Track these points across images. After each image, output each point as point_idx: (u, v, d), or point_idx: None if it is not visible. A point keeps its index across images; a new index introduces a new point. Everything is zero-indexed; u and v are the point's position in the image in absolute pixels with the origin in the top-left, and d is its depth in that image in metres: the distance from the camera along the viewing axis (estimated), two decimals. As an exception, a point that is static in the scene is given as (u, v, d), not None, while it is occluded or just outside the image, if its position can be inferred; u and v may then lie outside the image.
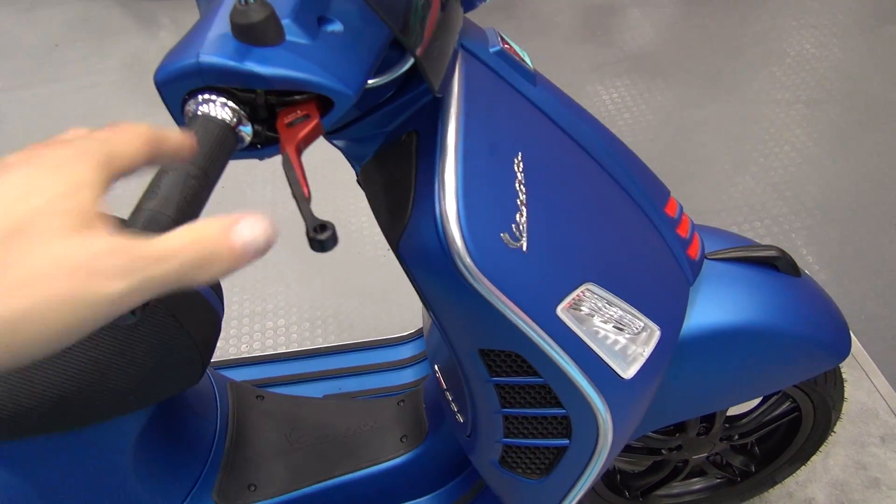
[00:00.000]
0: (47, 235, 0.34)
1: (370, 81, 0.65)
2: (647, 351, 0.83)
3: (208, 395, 1.19)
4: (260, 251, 0.41)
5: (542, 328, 0.72)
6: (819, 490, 1.47)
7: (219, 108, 0.53)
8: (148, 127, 0.43)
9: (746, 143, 2.24)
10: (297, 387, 1.34)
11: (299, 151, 0.53)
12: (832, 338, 1.02)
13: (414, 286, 0.75)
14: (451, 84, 0.70)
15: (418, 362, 1.35)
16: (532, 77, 0.79)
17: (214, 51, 0.53)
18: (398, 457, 1.15)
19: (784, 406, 1.22)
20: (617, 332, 0.80)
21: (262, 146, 0.58)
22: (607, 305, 0.79)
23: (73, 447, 0.92)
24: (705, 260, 0.99)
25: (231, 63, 0.52)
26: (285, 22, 0.54)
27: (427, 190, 0.68)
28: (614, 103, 2.43)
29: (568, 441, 0.86)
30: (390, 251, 0.77)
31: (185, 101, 0.55)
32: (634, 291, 0.82)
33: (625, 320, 0.80)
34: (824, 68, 2.49)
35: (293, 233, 2.13)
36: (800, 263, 1.86)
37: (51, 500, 0.94)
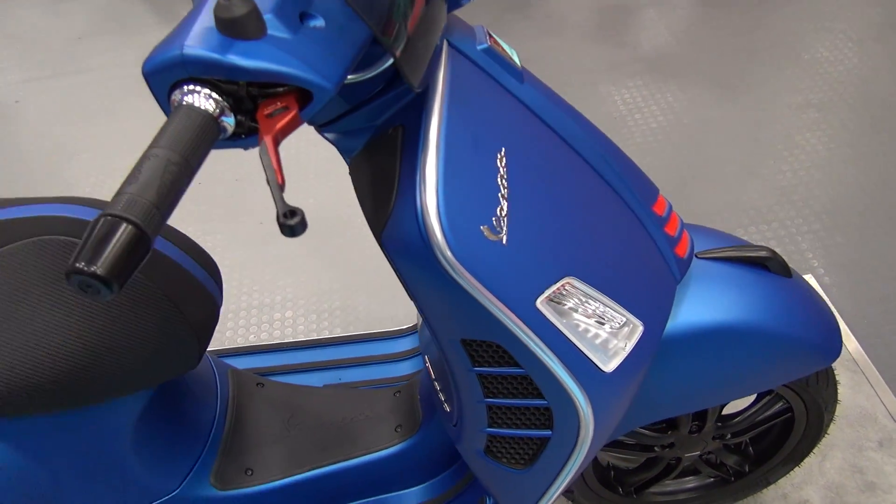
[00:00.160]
0: None
1: (351, 76, 0.68)
2: (629, 346, 0.85)
3: (209, 381, 1.21)
4: None
5: (521, 319, 0.74)
6: (814, 492, 1.48)
7: (202, 99, 0.56)
8: None
9: (756, 146, 2.24)
10: (297, 376, 1.37)
11: (276, 141, 0.55)
12: (822, 338, 1.02)
13: (398, 276, 0.77)
14: (436, 80, 0.72)
15: (416, 355, 1.37)
16: (519, 74, 0.81)
17: (198, 43, 0.55)
18: (392, 446, 1.17)
19: (776, 406, 1.23)
20: (598, 326, 0.82)
21: (246, 136, 0.60)
22: (588, 300, 0.80)
23: (75, 426, 0.95)
24: (695, 259, 1.00)
25: (213, 55, 0.55)
26: (267, 17, 0.57)
27: (409, 182, 0.70)
28: (626, 104, 2.44)
29: (550, 432, 0.87)
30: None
31: (171, 92, 0.57)
32: (617, 287, 0.84)
33: (606, 315, 0.82)
34: (838, 72, 2.48)
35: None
36: (805, 267, 1.87)
37: (53, 476, 0.97)
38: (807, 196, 2.07)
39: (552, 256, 0.77)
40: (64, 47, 3.14)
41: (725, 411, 1.26)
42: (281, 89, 0.58)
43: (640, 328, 0.86)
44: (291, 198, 2.27)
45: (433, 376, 1.00)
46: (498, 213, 0.72)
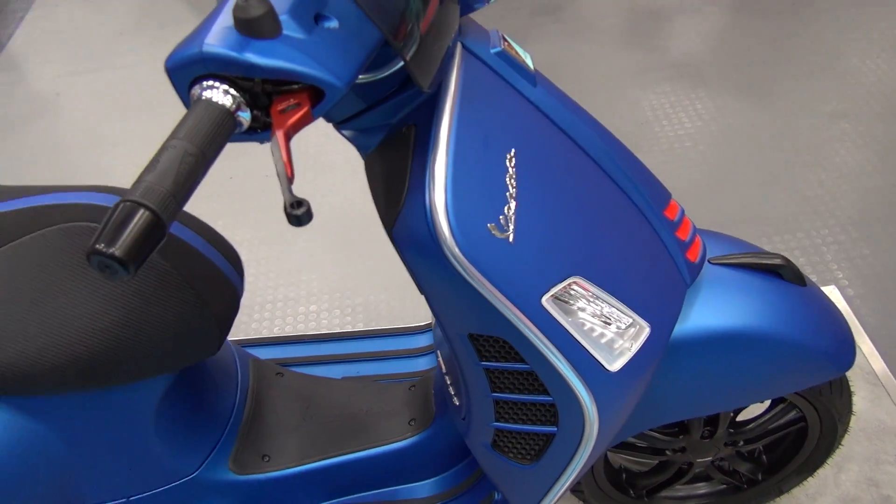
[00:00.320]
0: None
1: (363, 76, 0.70)
2: (635, 346, 0.86)
3: (230, 369, 1.25)
4: None
5: (526, 316, 0.76)
6: (829, 504, 1.47)
7: (220, 95, 0.59)
8: None
9: (783, 155, 2.23)
10: (316, 367, 1.40)
11: (288, 136, 0.58)
12: (835, 348, 1.03)
13: (408, 270, 0.79)
14: (449, 81, 0.74)
15: (431, 352, 1.39)
16: (532, 78, 0.83)
17: (217, 42, 0.58)
18: (405, 439, 1.20)
19: (789, 415, 1.23)
20: (604, 326, 0.83)
21: (261, 130, 0.63)
22: (595, 299, 0.82)
23: (100, 406, 0.99)
24: (708, 264, 1.01)
25: (231, 53, 0.58)
26: (283, 17, 0.60)
27: (419, 180, 0.72)
28: (653, 110, 2.44)
29: (556, 428, 0.89)
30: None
31: (191, 86, 0.60)
32: (625, 288, 0.85)
33: (612, 315, 0.84)
34: (869, 82, 2.45)
35: (331, 223, 2.21)
36: (828, 278, 1.86)
37: (78, 453, 1.01)
38: (833, 207, 2.05)
39: (559, 256, 0.79)
40: (104, 42, 3.23)
41: (739, 418, 1.27)
42: (295, 86, 0.61)
43: (647, 329, 0.87)
44: (318, 196, 2.31)
45: (444, 370, 1.03)
46: (505, 211, 0.74)
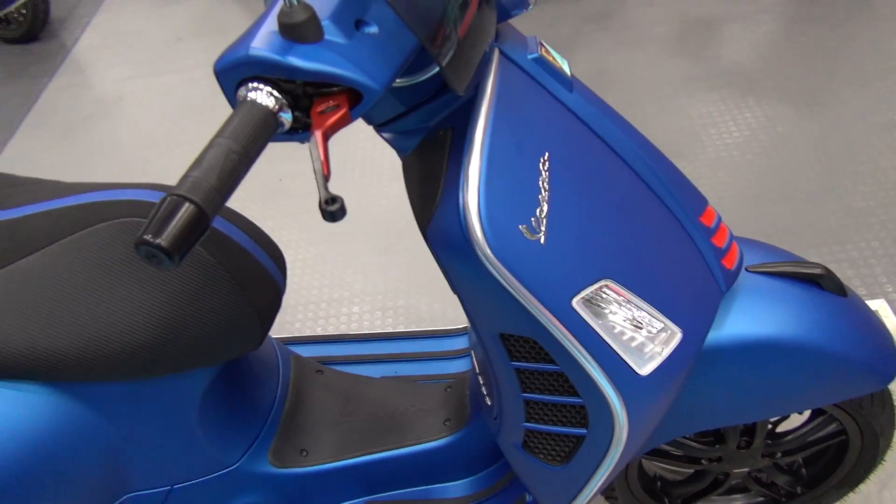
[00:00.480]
0: None
1: (401, 80, 0.73)
2: (666, 351, 0.86)
3: (272, 365, 1.29)
4: None
5: (555, 317, 0.78)
6: (872, 521, 1.44)
7: (264, 96, 0.62)
8: None
9: (834, 166, 2.18)
10: (356, 366, 1.43)
11: (326, 137, 0.61)
12: (876, 360, 1.01)
13: (441, 270, 0.82)
14: (485, 86, 0.77)
15: (467, 354, 1.41)
16: (569, 83, 0.84)
17: (262, 46, 0.61)
18: (440, 438, 1.22)
19: (829, 428, 1.21)
20: (635, 330, 0.84)
21: (302, 131, 0.66)
22: (626, 303, 0.83)
23: (148, 395, 1.04)
24: (745, 272, 1.01)
25: (275, 57, 0.61)
26: (325, 23, 0.63)
27: (454, 181, 0.75)
28: (701, 118, 2.41)
29: (585, 430, 0.90)
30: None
31: (237, 88, 0.64)
32: (657, 293, 0.86)
33: (643, 319, 0.84)
34: (929, 93, 2.39)
35: (376, 226, 2.24)
36: (877, 292, 1.82)
37: (126, 439, 1.06)
38: (884, 219, 2.01)
39: (590, 258, 0.80)
40: (165, 47, 3.34)
41: (778, 429, 1.25)
42: (335, 89, 0.64)
43: (679, 335, 0.87)
44: (364, 197, 2.35)
45: (478, 371, 1.04)
46: (537, 214, 0.75)
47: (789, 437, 1.24)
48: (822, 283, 1.01)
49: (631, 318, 0.84)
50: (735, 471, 1.28)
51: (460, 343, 1.44)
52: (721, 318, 0.95)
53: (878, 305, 1.80)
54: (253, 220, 2.35)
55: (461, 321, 1.93)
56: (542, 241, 0.76)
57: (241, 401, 1.21)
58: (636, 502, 1.35)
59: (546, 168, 0.77)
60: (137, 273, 0.95)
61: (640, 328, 0.84)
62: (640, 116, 2.48)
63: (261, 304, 1.04)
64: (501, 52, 0.80)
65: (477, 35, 0.71)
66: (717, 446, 1.22)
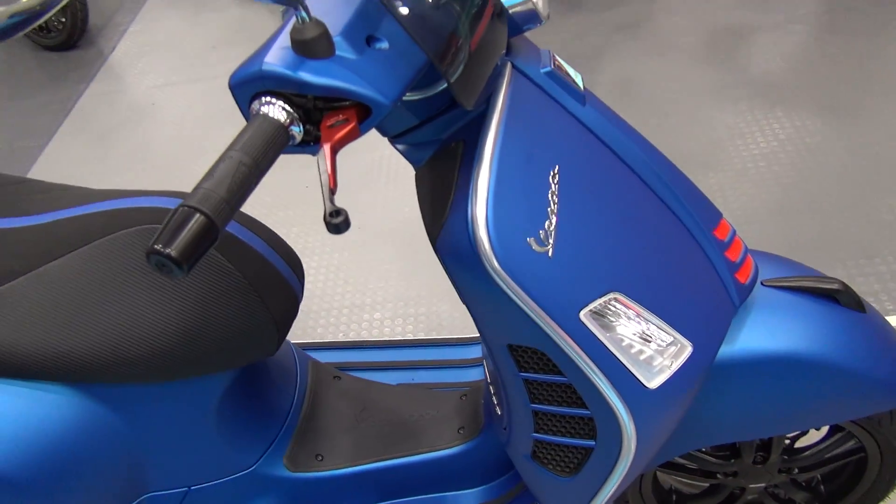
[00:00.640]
0: None
1: (411, 94, 0.74)
2: (676, 365, 0.86)
3: (290, 370, 1.31)
4: None
5: (563, 329, 0.78)
6: (894, 541, 1.41)
7: (276, 110, 0.64)
8: None
9: (862, 179, 2.15)
10: (373, 373, 1.45)
11: (334, 150, 0.63)
12: (894, 377, 1.00)
13: (451, 281, 0.83)
14: (497, 99, 0.78)
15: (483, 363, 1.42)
16: (581, 97, 0.85)
17: (275, 61, 0.63)
18: (453, 446, 1.22)
19: (848, 444, 1.19)
20: (643, 343, 0.84)
21: (313, 143, 0.68)
22: (635, 316, 0.83)
23: (167, 397, 1.06)
24: (760, 286, 1.00)
25: (286, 72, 0.63)
26: (336, 39, 0.64)
27: (463, 193, 0.76)
28: (728, 128, 2.40)
29: (594, 442, 0.90)
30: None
31: (251, 101, 0.66)
32: (667, 306, 0.86)
33: (652, 332, 0.84)
34: (965, 105, 2.34)
35: (401, 233, 2.26)
36: (905, 308, 1.78)
37: (144, 440, 1.09)
38: (916, 233, 1.97)
39: (599, 271, 0.80)
40: (198, 55, 3.40)
41: (796, 445, 1.24)
42: (346, 103, 0.66)
43: (689, 349, 0.87)
44: (388, 204, 2.37)
45: (489, 380, 1.05)
46: (546, 226, 0.76)
47: (806, 454, 1.22)
48: (839, 298, 1.00)
49: (640, 331, 0.84)
50: (751, 486, 1.27)
51: (477, 352, 1.45)
52: (734, 332, 0.95)
53: (905, 321, 1.77)
54: (280, 226, 2.39)
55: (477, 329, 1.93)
56: (549, 253, 0.76)
57: (259, 405, 1.23)
58: (651, 515, 1.34)
59: (556, 181, 0.78)
60: (156, 279, 0.97)
61: (650, 341, 0.84)
62: (667, 126, 2.47)
63: (278, 311, 1.06)
64: (514, 66, 0.81)
65: (487, 51, 0.72)
66: (733, 461, 1.21)
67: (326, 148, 0.62)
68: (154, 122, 3.02)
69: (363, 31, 0.67)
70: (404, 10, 0.63)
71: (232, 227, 1.04)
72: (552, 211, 0.77)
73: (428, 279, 2.12)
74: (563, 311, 0.78)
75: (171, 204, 1.02)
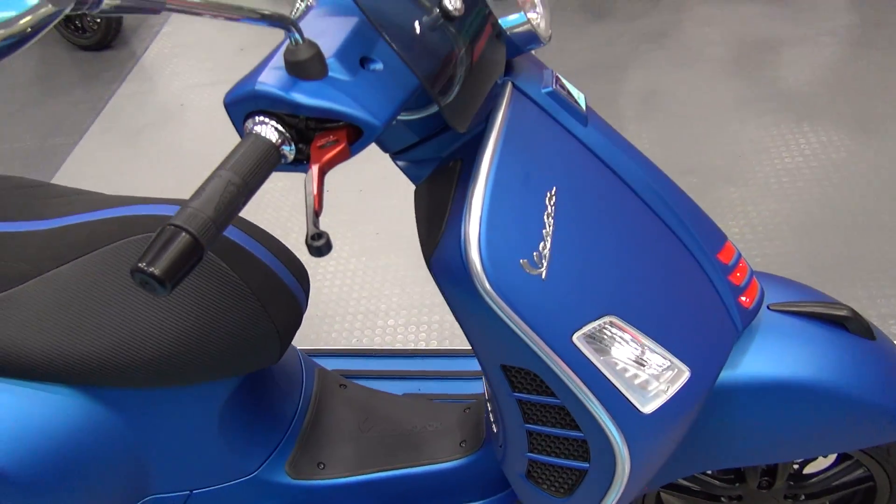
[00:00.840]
0: None
1: (404, 114, 0.74)
2: (672, 389, 0.85)
3: (296, 377, 1.32)
4: None
5: (554, 352, 0.78)
6: (906, 572, 1.38)
7: (268, 130, 0.64)
8: None
9: (889, 197, 2.11)
10: (379, 382, 1.45)
11: (322, 171, 0.63)
12: (903, 407, 0.98)
13: (445, 299, 0.83)
14: (495, 119, 0.77)
15: (490, 375, 1.42)
16: (583, 118, 0.84)
17: (268, 81, 0.64)
18: (455, 459, 1.22)
19: (856, 473, 1.17)
20: (638, 367, 0.83)
21: (305, 162, 0.68)
22: (630, 340, 0.82)
23: (170, 402, 1.08)
24: (766, 310, 0.99)
25: (279, 92, 0.63)
26: (330, 60, 0.65)
27: (457, 213, 0.76)
28: (752, 142, 2.36)
29: (587, 464, 0.89)
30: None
31: (245, 120, 0.66)
32: (665, 330, 0.85)
33: (648, 356, 0.83)
34: None
35: (416, 240, 2.26)
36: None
37: (147, 444, 1.10)
38: (942, 255, 1.93)
39: (594, 294, 0.80)
40: (227, 57, 3.45)
41: (805, 471, 1.22)
42: (339, 124, 0.66)
43: (686, 374, 0.86)
44: (408, 212, 2.38)
45: (486, 397, 1.05)
46: (540, 248, 0.76)
47: (813, 480, 1.20)
48: (848, 325, 0.98)
49: (635, 355, 0.83)
50: (757, 511, 1.25)
51: (483, 364, 1.45)
52: (737, 356, 0.94)
53: (927, 345, 1.73)
54: (299, 230, 2.40)
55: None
56: (543, 275, 0.76)
57: (263, 411, 1.24)
58: (655, 536, 1.33)
59: (552, 202, 0.78)
60: None
61: (645, 366, 0.84)
62: (690, 138, 2.44)
63: (281, 320, 1.06)
64: (514, 86, 0.81)
65: (482, 74, 0.72)
66: (738, 484, 1.19)
67: (314, 169, 0.63)
68: (182, 123, 3.06)
69: (357, 51, 0.67)
70: (398, 33, 0.63)
71: (237, 237, 1.05)
72: (547, 233, 0.77)
73: (443, 287, 2.11)
74: (555, 334, 0.77)
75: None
